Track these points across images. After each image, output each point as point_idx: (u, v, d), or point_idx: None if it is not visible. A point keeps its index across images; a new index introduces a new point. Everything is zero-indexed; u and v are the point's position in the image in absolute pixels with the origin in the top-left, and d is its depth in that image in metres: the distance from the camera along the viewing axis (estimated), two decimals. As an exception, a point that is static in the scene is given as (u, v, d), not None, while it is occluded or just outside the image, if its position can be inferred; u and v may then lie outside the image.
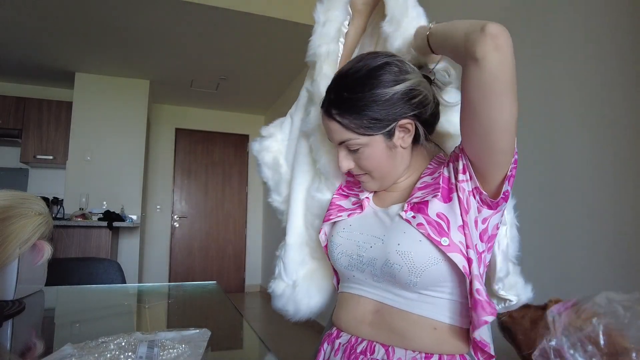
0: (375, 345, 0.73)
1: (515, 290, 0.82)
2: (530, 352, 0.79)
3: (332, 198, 0.90)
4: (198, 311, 1.15)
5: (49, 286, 1.13)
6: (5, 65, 4.20)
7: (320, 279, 0.93)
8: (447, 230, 0.69)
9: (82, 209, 4.01)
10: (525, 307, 0.89)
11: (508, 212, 0.81)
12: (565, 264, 1.35)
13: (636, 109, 1.18)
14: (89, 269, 1.53)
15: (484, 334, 0.69)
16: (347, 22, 0.96)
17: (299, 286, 0.91)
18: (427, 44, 0.75)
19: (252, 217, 5.77)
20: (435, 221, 0.70)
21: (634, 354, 0.53)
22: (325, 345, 0.82)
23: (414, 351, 0.70)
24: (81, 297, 1.19)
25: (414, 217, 0.71)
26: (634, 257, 1.15)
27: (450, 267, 0.68)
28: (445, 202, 0.71)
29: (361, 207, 0.84)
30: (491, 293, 0.82)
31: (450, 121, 0.83)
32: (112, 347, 0.55)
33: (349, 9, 0.95)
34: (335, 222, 0.85)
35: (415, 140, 0.78)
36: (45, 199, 3.24)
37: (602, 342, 0.54)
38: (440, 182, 0.74)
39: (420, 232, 0.69)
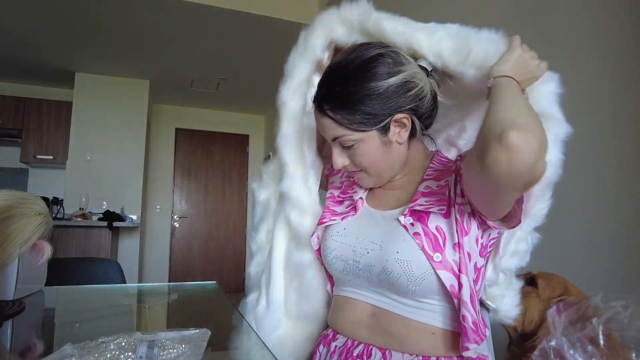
0: (371, 349, 0.71)
1: (496, 302, 0.80)
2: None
3: (326, 204, 0.87)
4: (198, 311, 1.15)
5: (49, 286, 1.13)
6: (5, 65, 4.20)
7: (293, 343, 0.86)
8: (442, 246, 0.67)
9: (82, 209, 4.01)
10: None
11: (523, 229, 0.76)
12: (565, 264, 1.35)
13: (637, 109, 1.18)
14: (89, 269, 1.53)
15: (481, 349, 0.69)
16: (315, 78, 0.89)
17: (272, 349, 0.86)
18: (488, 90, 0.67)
19: (252, 217, 5.76)
20: (433, 234, 0.68)
21: (633, 354, 0.53)
22: (321, 347, 0.80)
23: (411, 354, 0.69)
24: (81, 297, 1.19)
25: (412, 224, 0.69)
26: (634, 258, 1.14)
27: (440, 282, 0.67)
28: (445, 217, 0.69)
29: (355, 208, 0.81)
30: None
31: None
32: (112, 347, 0.55)
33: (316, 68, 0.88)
34: (328, 226, 0.82)
35: (412, 135, 0.75)
36: (45, 199, 3.24)
37: (602, 342, 0.54)
38: (446, 194, 0.71)
39: (416, 242, 0.67)
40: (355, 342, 0.74)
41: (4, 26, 3.38)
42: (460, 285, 0.66)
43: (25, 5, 3.04)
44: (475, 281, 0.69)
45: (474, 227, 0.68)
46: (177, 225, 5.46)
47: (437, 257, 0.66)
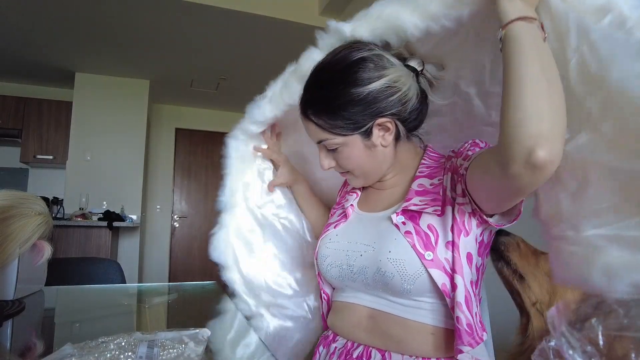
0: (371, 351, 0.71)
1: None
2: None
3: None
4: (198, 311, 1.15)
5: (49, 286, 1.13)
6: (5, 65, 4.20)
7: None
8: (434, 244, 0.66)
9: (82, 209, 4.01)
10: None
11: None
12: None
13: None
14: (89, 269, 1.53)
15: (480, 354, 0.68)
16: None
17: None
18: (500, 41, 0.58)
19: (252, 217, 5.76)
20: (424, 232, 0.67)
21: (632, 355, 0.53)
22: (321, 348, 0.80)
23: (410, 356, 0.68)
24: (81, 297, 1.19)
25: (404, 222, 0.69)
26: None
27: (432, 281, 0.66)
28: (439, 215, 0.68)
29: (345, 216, 0.82)
30: None
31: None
32: (112, 347, 0.55)
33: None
34: (323, 237, 0.83)
35: (399, 137, 0.75)
36: (45, 199, 3.24)
37: (601, 342, 0.54)
38: (440, 193, 0.70)
39: (407, 241, 0.67)
40: (355, 344, 0.74)
41: (4, 26, 3.38)
42: (454, 286, 0.65)
43: (26, 5, 3.04)
44: (475, 283, 0.68)
45: (473, 227, 0.67)
46: (177, 225, 5.46)
47: (428, 255, 0.65)
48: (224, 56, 3.96)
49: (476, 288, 0.69)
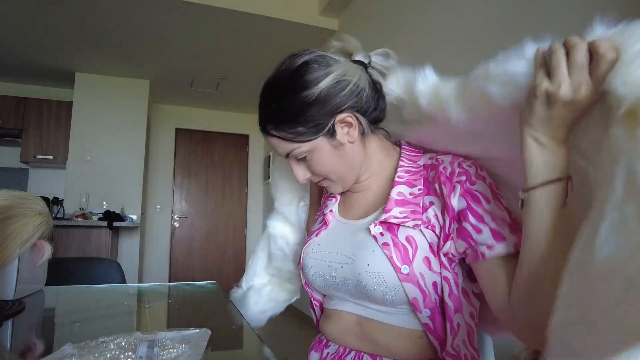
0: (363, 356, 0.70)
1: None
2: None
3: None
4: (198, 311, 1.15)
5: (49, 286, 1.13)
6: (5, 65, 4.20)
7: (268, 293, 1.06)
8: (411, 257, 0.64)
9: (82, 209, 4.01)
10: None
11: None
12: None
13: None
14: (89, 269, 1.53)
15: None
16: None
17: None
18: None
19: (252, 217, 5.77)
20: (402, 245, 0.65)
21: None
22: (313, 353, 0.79)
23: None
24: (81, 297, 1.19)
25: (382, 234, 0.67)
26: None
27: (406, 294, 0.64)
28: (419, 227, 0.66)
29: (326, 223, 0.81)
30: None
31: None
32: (112, 346, 0.55)
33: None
34: (307, 245, 0.81)
35: (364, 132, 0.73)
36: (45, 199, 3.24)
37: None
38: (420, 205, 0.67)
39: (384, 253, 0.65)
40: (347, 350, 0.73)
41: (4, 26, 3.38)
42: (425, 303, 0.64)
43: (26, 5, 3.04)
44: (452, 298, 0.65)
45: (447, 262, 0.66)
46: (177, 225, 5.46)
47: (404, 269, 0.63)
48: (224, 56, 3.96)
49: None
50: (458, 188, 0.64)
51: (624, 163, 0.37)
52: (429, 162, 0.73)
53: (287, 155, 0.74)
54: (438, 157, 0.71)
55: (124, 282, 1.56)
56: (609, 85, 0.42)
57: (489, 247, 0.60)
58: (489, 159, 0.68)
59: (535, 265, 0.51)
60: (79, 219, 3.69)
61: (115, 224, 3.71)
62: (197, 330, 0.66)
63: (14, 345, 0.71)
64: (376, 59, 0.77)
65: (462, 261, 0.66)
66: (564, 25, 1.42)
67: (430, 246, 0.65)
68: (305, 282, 0.83)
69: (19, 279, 0.89)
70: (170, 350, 0.55)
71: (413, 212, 0.67)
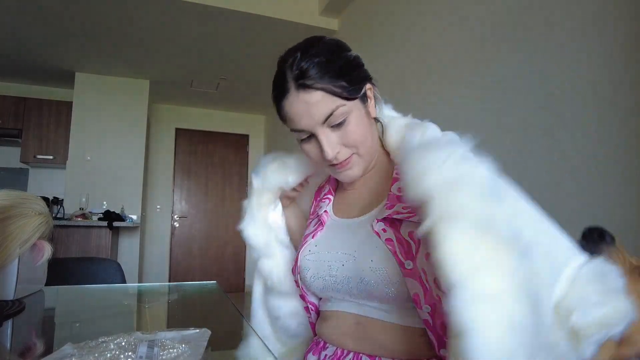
0: (361, 357, 0.69)
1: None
2: None
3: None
4: (198, 311, 1.15)
5: (49, 286, 1.13)
6: (5, 65, 4.21)
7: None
8: (414, 253, 0.64)
9: (82, 209, 4.01)
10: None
11: None
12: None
13: (637, 109, 1.18)
14: (89, 269, 1.53)
15: None
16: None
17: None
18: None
19: (252, 217, 5.76)
20: (405, 240, 0.65)
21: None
22: (311, 355, 0.78)
23: (401, 359, 0.66)
24: (81, 297, 1.19)
25: (384, 230, 0.67)
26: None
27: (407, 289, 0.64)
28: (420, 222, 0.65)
29: (321, 223, 0.79)
30: None
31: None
32: (112, 346, 0.55)
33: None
34: (302, 248, 0.80)
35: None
36: (45, 199, 3.24)
37: None
38: None
39: (388, 248, 0.65)
40: (345, 351, 0.72)
41: (4, 26, 3.38)
42: (426, 298, 0.63)
43: (26, 5, 3.04)
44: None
45: None
46: (177, 225, 5.46)
47: (408, 264, 0.63)
48: (224, 56, 3.96)
49: None
50: None
51: None
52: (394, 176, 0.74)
53: (324, 121, 0.68)
54: None
55: (124, 282, 1.56)
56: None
57: None
58: None
59: None
60: (79, 219, 3.69)
61: (115, 224, 3.71)
62: (197, 330, 0.66)
63: (14, 345, 0.71)
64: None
65: None
66: (564, 25, 1.42)
67: None
68: (301, 295, 0.82)
69: (19, 279, 0.89)
70: (170, 350, 0.55)
71: (416, 207, 0.67)
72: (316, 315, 0.84)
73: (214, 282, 1.39)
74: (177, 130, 5.57)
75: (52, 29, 3.45)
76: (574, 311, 0.54)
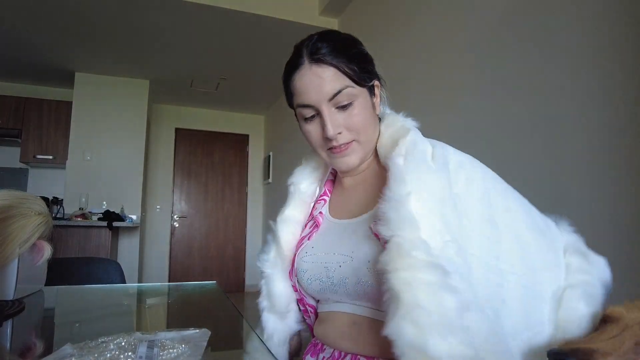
0: (359, 359, 0.69)
1: None
2: None
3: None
4: (198, 311, 1.15)
5: (49, 286, 1.13)
6: (5, 65, 4.21)
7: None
8: None
9: (82, 209, 4.01)
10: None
11: None
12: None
13: (636, 109, 1.18)
14: (89, 269, 1.53)
15: None
16: None
17: None
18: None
19: (252, 217, 5.77)
20: None
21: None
22: (308, 357, 0.78)
23: None
24: (81, 297, 1.19)
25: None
26: (635, 261, 1.14)
27: None
28: None
29: (317, 225, 0.79)
30: None
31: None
32: (112, 347, 0.55)
33: None
34: (299, 251, 0.80)
35: None
36: (45, 199, 3.24)
37: None
38: None
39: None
40: (342, 353, 0.72)
41: (4, 26, 3.38)
42: None
43: (25, 5, 3.04)
44: None
45: None
46: (177, 225, 5.46)
47: None
48: (224, 56, 3.96)
49: None
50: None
51: None
52: None
53: (332, 98, 0.69)
54: None
55: (124, 282, 1.56)
56: None
57: None
58: None
59: None
60: (79, 219, 3.69)
61: (115, 224, 3.71)
62: (197, 331, 0.66)
63: (13, 345, 0.71)
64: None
65: None
66: (564, 25, 1.42)
67: None
68: (299, 298, 0.82)
69: (18, 278, 0.89)
70: (170, 351, 0.55)
71: None
72: (315, 317, 0.83)
73: (214, 282, 1.39)
74: (177, 130, 5.57)
75: (52, 29, 3.45)
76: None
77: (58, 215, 3.94)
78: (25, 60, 4.08)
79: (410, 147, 0.68)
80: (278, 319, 0.82)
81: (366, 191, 0.78)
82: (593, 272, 0.66)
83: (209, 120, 5.69)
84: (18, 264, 0.88)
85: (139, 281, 4.61)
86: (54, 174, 4.70)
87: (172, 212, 5.44)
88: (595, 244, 1.14)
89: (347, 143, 0.73)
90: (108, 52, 3.91)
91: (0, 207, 0.86)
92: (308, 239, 0.79)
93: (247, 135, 5.89)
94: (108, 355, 0.52)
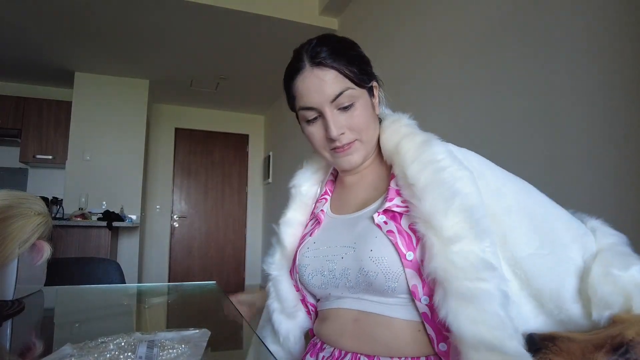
0: (360, 358, 0.69)
1: None
2: None
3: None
4: (198, 311, 1.15)
5: (49, 286, 1.13)
6: (5, 65, 4.20)
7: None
8: (415, 245, 0.65)
9: (82, 209, 4.01)
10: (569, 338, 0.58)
11: None
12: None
13: (636, 109, 1.18)
14: (89, 269, 1.53)
15: None
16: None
17: None
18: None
19: (252, 217, 5.77)
20: (406, 232, 0.66)
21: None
22: (308, 357, 0.78)
23: (399, 358, 0.66)
24: (81, 297, 1.19)
25: (385, 222, 0.68)
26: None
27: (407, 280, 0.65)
28: None
29: (318, 222, 0.80)
30: None
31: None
32: (111, 347, 0.55)
33: None
34: (300, 248, 0.80)
35: None
36: (45, 199, 3.25)
37: None
38: None
39: (389, 239, 0.66)
40: (343, 352, 0.72)
41: (3, 26, 3.38)
42: (425, 290, 0.64)
43: (25, 5, 3.04)
44: None
45: None
46: (177, 225, 5.46)
47: (409, 255, 0.65)
48: (223, 56, 3.96)
49: None
50: None
51: None
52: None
53: (333, 99, 0.71)
54: None
55: (124, 282, 1.55)
56: None
57: None
58: None
59: None
60: (79, 219, 3.69)
61: (115, 224, 3.71)
62: (197, 331, 0.65)
63: (13, 346, 0.71)
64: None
65: None
66: (564, 25, 1.42)
67: None
68: (301, 299, 0.82)
69: (18, 279, 0.89)
70: (170, 351, 0.55)
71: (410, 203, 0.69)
72: (315, 316, 0.83)
73: (214, 282, 1.39)
74: (177, 130, 5.57)
75: (52, 29, 3.45)
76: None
77: (58, 215, 3.94)
78: (25, 60, 4.08)
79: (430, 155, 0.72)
80: (289, 319, 0.83)
81: (367, 187, 0.79)
82: (617, 234, 0.72)
83: (209, 120, 5.69)
84: (18, 264, 0.88)
85: (139, 281, 4.61)
86: (53, 174, 4.70)
87: (172, 212, 5.44)
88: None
89: (350, 143, 0.75)
90: (108, 52, 3.91)
91: (0, 207, 0.86)
92: (310, 236, 0.80)
93: (247, 135, 5.89)
94: (108, 355, 0.52)
